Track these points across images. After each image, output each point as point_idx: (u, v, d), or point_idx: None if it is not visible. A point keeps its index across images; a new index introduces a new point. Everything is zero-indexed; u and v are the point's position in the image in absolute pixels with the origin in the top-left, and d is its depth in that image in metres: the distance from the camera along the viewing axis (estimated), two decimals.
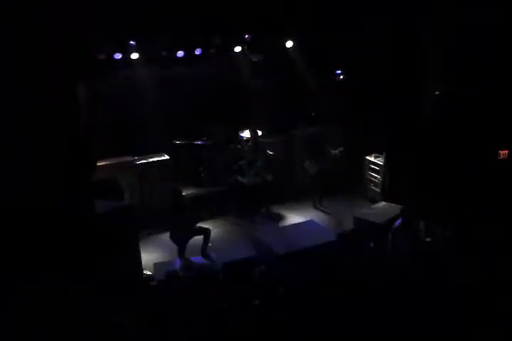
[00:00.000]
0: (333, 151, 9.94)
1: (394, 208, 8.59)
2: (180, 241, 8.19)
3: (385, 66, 9.80)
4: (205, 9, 9.08)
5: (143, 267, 7.98)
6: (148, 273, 8.01)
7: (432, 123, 9.32)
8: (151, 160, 9.94)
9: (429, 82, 9.42)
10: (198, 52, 10.03)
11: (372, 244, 7.38)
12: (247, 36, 10.24)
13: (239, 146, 10.77)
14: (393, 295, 5.73)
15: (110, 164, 9.29)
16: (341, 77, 11.29)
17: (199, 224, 8.47)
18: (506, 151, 8.99)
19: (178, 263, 7.89)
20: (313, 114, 11.65)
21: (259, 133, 10.70)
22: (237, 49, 10.52)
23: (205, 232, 8.45)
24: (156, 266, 7.86)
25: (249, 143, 10.71)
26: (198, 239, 8.37)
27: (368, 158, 10.63)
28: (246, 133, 10.65)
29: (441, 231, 7.53)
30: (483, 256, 6.51)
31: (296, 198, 10.66)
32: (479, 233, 7.16)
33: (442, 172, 8.94)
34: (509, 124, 8.68)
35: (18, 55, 5.21)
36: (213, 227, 9.39)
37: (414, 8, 8.83)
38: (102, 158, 9.09)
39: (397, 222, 7.69)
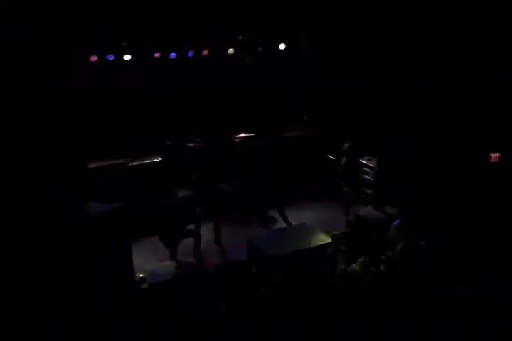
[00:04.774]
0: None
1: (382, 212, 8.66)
2: (171, 243, 8.16)
3: (378, 69, 9.85)
4: (199, 11, 9.09)
5: (135, 270, 7.92)
6: (141, 275, 7.95)
7: (425, 126, 9.36)
8: (144, 161, 9.89)
9: (421, 84, 9.48)
10: (190, 54, 10.04)
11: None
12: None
13: (231, 148, 10.74)
14: (388, 297, 5.74)
15: (103, 166, 9.22)
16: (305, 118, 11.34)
17: (190, 227, 8.44)
18: (498, 154, 9.04)
19: (170, 266, 7.84)
20: (305, 118, 11.64)
21: (250, 135, 10.69)
22: (230, 51, 10.53)
23: (196, 234, 8.42)
24: (149, 268, 7.81)
25: (242, 146, 10.69)
26: (191, 241, 8.34)
27: (360, 160, 10.65)
28: (239, 135, 10.63)
29: (435, 234, 7.55)
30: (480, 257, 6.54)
31: (288, 201, 10.60)
32: (473, 234, 7.19)
33: (434, 174, 8.97)
34: (501, 127, 8.75)
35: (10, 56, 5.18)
36: (205, 230, 9.35)
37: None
38: (94, 160, 9.03)
39: (393, 224, 7.72)
